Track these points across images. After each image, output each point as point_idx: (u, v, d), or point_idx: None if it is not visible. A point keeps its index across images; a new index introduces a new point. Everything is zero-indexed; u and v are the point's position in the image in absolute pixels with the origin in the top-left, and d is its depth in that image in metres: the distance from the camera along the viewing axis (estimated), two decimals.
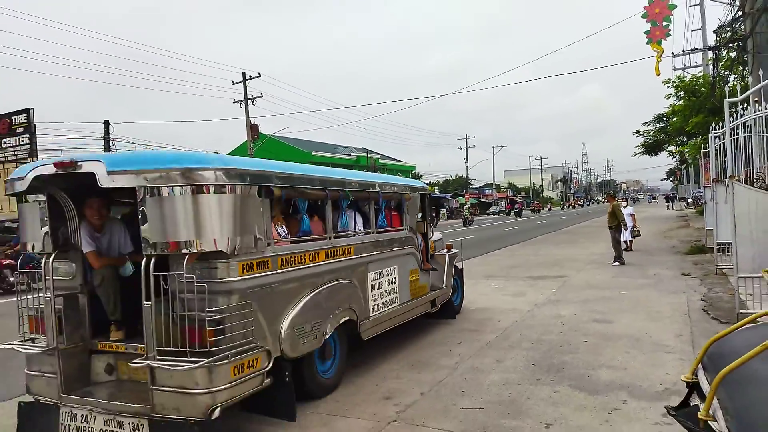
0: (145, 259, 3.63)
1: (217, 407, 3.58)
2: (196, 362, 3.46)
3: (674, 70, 18.11)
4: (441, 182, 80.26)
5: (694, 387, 2.30)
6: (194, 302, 3.57)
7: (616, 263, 13.07)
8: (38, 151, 28.84)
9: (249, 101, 35.04)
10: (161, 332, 3.63)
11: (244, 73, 34.79)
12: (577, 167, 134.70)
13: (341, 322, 4.99)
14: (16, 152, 29.18)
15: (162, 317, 3.66)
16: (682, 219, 32.44)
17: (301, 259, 4.57)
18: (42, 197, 4.23)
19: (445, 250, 7.92)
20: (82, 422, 3.89)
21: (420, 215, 7.39)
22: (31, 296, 4.22)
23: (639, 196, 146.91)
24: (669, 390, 4.56)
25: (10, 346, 4.11)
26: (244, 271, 3.89)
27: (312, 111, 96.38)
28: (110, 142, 28.53)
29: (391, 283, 6.08)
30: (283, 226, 4.69)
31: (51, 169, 3.90)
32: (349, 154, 56.26)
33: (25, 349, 4.09)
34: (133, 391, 3.95)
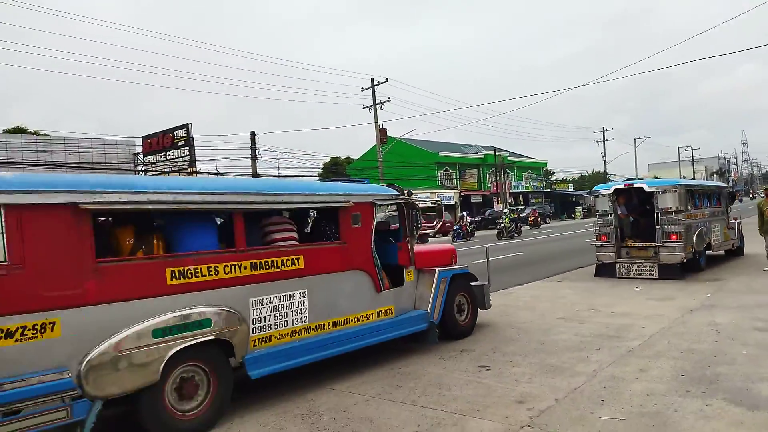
0: (655, 213, 10.64)
1: (686, 259, 10.60)
2: (677, 245, 10.49)
3: None
4: (576, 179, 76.20)
5: None
6: (671, 226, 10.50)
7: None
8: (197, 162, 32.08)
9: (377, 106, 36.00)
10: (660, 236, 10.54)
11: (372, 79, 35.75)
12: (735, 158, 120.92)
13: (705, 243, 11.58)
14: (178, 163, 32.73)
15: (661, 231, 10.56)
16: None
17: (695, 216, 11.16)
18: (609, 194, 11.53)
19: (733, 220, 14.05)
20: (627, 267, 11.07)
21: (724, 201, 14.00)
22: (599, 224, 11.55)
23: None
24: None
25: (596, 244, 11.60)
26: (686, 217, 10.55)
27: (438, 112, 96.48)
28: (257, 151, 30.95)
29: (717, 230, 12.62)
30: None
31: (621, 185, 11.48)
32: (476, 153, 55.56)
33: (599, 245, 11.43)
34: (643, 258, 10.97)
